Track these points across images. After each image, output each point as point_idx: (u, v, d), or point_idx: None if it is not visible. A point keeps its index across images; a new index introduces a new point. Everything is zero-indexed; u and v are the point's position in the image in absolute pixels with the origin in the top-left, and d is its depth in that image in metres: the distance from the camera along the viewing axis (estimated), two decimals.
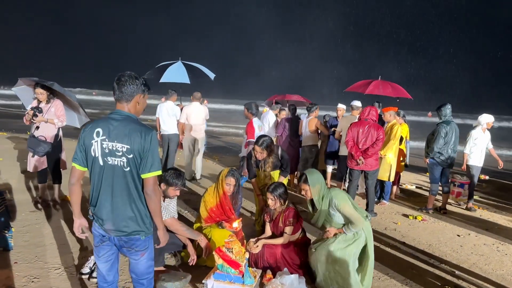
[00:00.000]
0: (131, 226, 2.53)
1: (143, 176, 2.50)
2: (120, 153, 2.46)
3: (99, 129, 2.48)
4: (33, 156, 5.55)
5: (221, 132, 19.99)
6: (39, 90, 5.44)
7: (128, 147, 2.45)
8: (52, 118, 5.53)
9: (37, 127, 5.47)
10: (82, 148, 2.52)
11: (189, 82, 8.41)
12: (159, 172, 2.55)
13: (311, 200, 3.94)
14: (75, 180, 2.58)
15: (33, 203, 5.85)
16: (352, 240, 3.76)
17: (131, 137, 2.45)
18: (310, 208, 3.99)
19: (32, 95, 5.67)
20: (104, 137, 2.46)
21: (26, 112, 5.47)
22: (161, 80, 8.21)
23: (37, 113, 5.40)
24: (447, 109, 6.50)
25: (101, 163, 2.49)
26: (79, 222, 2.70)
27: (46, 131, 5.53)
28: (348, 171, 6.56)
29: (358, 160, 6.07)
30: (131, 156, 2.46)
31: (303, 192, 3.93)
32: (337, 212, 3.78)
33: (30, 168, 5.68)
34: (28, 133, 5.66)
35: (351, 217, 3.73)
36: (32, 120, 5.42)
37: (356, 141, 6.12)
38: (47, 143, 5.48)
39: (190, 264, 3.97)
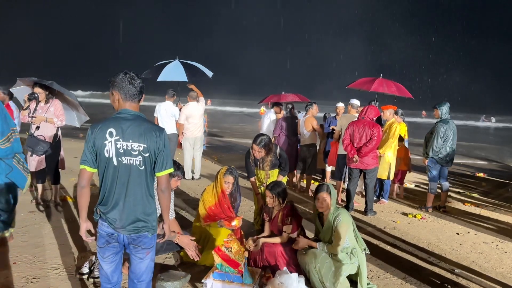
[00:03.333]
0: (141, 223, 2.57)
1: (158, 174, 2.58)
2: (136, 152, 2.49)
3: (112, 129, 2.48)
4: (31, 155, 5.54)
5: (220, 132, 19.98)
6: (37, 90, 5.47)
7: (145, 146, 2.50)
8: (52, 117, 5.55)
9: (37, 127, 5.48)
10: (92, 150, 2.51)
11: (187, 80, 8.37)
12: (172, 170, 2.65)
13: (318, 215, 3.93)
14: (86, 183, 2.57)
15: (34, 203, 5.84)
16: (343, 261, 3.66)
17: (146, 136, 2.50)
18: (318, 223, 3.96)
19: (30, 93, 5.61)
20: (118, 137, 2.48)
21: (22, 107, 5.52)
22: (159, 79, 8.18)
23: (33, 98, 5.41)
24: (445, 108, 6.51)
25: (115, 163, 2.50)
26: (86, 225, 2.69)
27: (45, 130, 5.54)
28: (347, 170, 6.56)
29: (353, 158, 6.08)
30: (147, 155, 2.51)
31: (319, 203, 3.82)
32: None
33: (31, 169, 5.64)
34: (27, 133, 5.67)
35: (337, 239, 3.65)
36: (30, 117, 5.43)
37: (351, 140, 6.13)
38: (46, 143, 5.50)
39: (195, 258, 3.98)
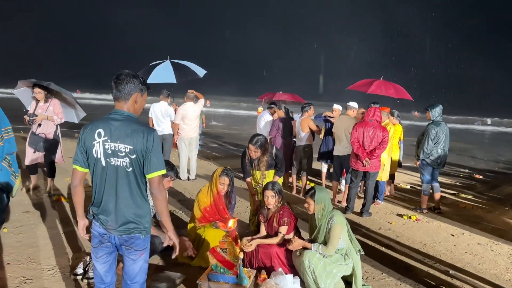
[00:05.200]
0: (133, 225, 2.54)
1: (148, 176, 2.52)
2: (123, 154, 2.47)
3: (100, 130, 2.47)
4: (34, 152, 5.98)
5: (216, 132, 19.97)
6: (37, 90, 5.91)
7: (131, 147, 2.46)
8: (52, 115, 5.99)
9: (39, 125, 5.96)
10: (82, 150, 2.51)
11: (175, 82, 8.36)
12: (164, 171, 2.57)
13: (314, 216, 3.94)
14: (78, 182, 2.58)
15: (30, 204, 5.86)
16: (337, 263, 3.68)
17: (133, 137, 2.46)
18: (314, 223, 3.96)
19: (30, 95, 6.09)
20: (106, 137, 2.46)
21: (24, 117, 5.96)
22: (148, 81, 8.14)
23: (32, 118, 5.88)
24: (438, 110, 6.52)
25: (104, 164, 2.49)
26: (83, 222, 2.71)
27: (46, 128, 6.02)
28: (351, 172, 6.55)
29: (364, 162, 6.08)
30: (134, 156, 2.47)
31: (305, 205, 3.94)
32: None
33: (27, 162, 6.08)
34: (22, 133, 5.83)
35: (331, 240, 3.66)
36: (30, 123, 5.91)
37: (361, 143, 6.12)
38: (47, 139, 6.01)
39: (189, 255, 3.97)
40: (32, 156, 6.04)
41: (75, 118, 6.64)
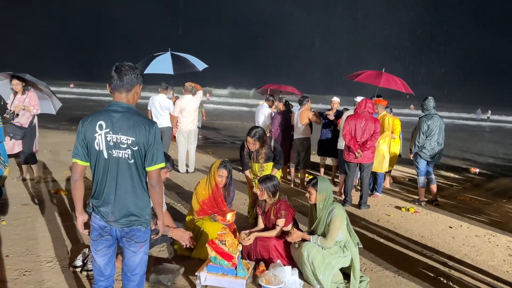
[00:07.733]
0: (134, 217, 2.55)
1: (148, 168, 2.53)
2: (125, 146, 2.46)
3: (102, 122, 2.45)
4: (10, 140, 6.21)
5: (215, 125, 19.96)
6: (15, 81, 6.18)
7: (134, 139, 2.46)
8: (28, 106, 6.26)
9: (17, 115, 6.22)
10: (83, 143, 2.49)
11: (173, 73, 8.34)
12: (163, 164, 2.59)
13: (314, 207, 3.95)
14: (78, 176, 2.56)
15: (29, 197, 5.87)
16: (336, 254, 3.70)
17: (135, 129, 2.46)
18: (314, 214, 3.96)
19: (9, 87, 6.35)
20: (108, 129, 2.45)
21: (5, 115, 6.16)
22: (146, 71, 8.14)
23: (10, 114, 6.19)
24: (430, 102, 6.50)
25: (106, 156, 2.48)
26: (82, 218, 2.69)
27: (22, 118, 6.29)
28: (345, 164, 6.55)
29: (356, 153, 6.08)
30: (136, 148, 2.47)
31: (307, 195, 3.96)
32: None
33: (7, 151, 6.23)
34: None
35: (331, 232, 3.68)
36: (11, 119, 6.24)
37: (354, 135, 6.12)
38: (23, 128, 6.28)
39: (187, 246, 4.00)
40: (8, 144, 6.10)
41: (52, 109, 6.95)
